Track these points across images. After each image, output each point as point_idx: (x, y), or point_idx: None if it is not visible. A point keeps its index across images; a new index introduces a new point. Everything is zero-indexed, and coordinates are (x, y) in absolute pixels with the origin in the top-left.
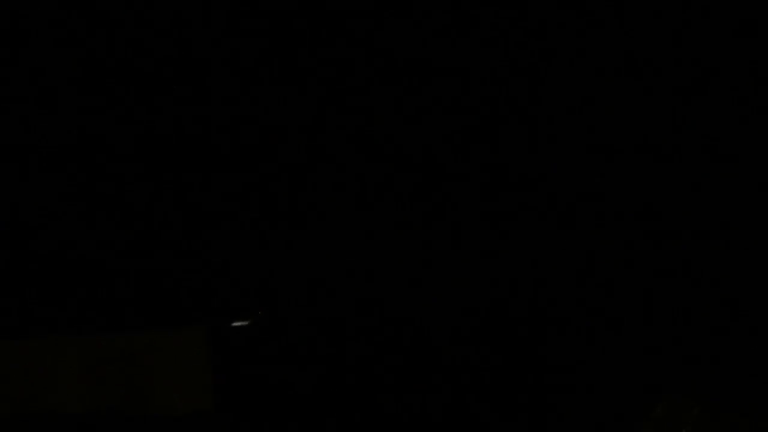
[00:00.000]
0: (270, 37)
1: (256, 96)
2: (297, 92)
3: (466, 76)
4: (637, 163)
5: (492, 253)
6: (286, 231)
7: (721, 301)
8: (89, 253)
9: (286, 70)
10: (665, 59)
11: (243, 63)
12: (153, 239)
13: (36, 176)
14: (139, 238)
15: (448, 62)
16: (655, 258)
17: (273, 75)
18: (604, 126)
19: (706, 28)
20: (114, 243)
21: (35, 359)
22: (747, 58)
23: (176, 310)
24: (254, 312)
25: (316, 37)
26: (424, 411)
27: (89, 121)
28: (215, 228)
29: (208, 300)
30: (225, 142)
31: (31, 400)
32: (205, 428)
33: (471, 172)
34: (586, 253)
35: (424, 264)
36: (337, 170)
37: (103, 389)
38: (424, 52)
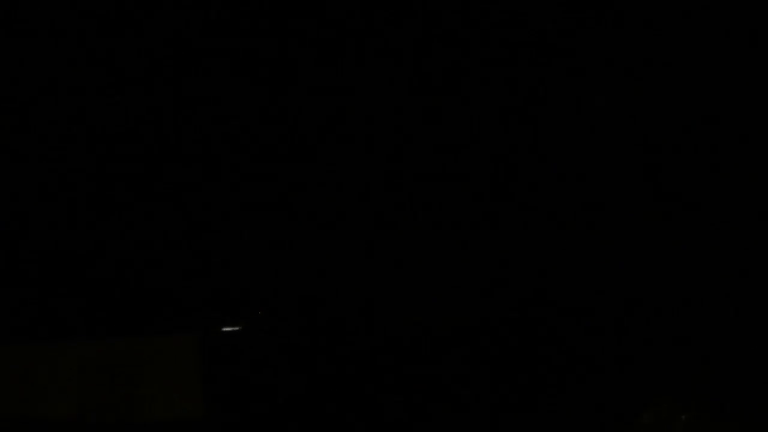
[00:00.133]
0: (270, 37)
1: (255, 97)
2: (296, 93)
3: (467, 76)
4: (637, 163)
5: (489, 255)
6: (282, 234)
7: (712, 308)
8: (79, 261)
9: (285, 71)
10: (665, 59)
11: (241, 64)
12: (143, 246)
13: (29, 181)
14: (129, 245)
15: (448, 62)
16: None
17: (272, 75)
18: (604, 126)
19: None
20: (104, 250)
21: (27, 366)
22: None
23: (167, 317)
24: (249, 315)
25: (316, 38)
26: (420, 415)
27: (85, 124)
28: (207, 235)
29: (199, 306)
30: (220, 149)
31: (23, 405)
32: None
33: (471, 173)
34: (582, 257)
35: (424, 265)
36: (336, 172)
37: (93, 395)
38: (425, 52)
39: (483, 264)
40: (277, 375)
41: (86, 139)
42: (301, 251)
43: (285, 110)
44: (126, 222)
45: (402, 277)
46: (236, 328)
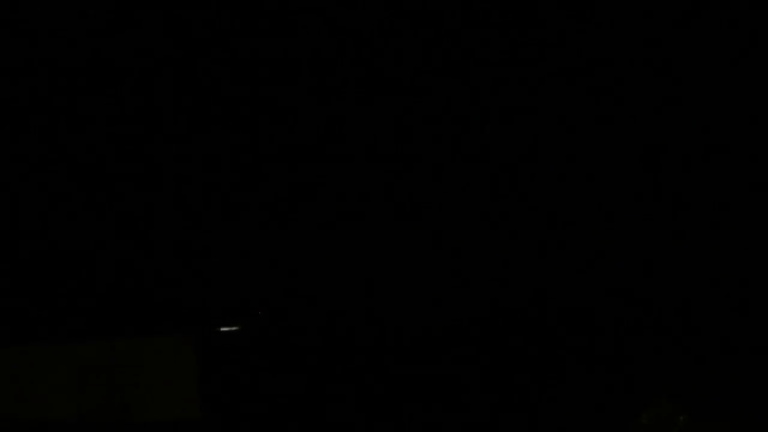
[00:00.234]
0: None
1: (254, 98)
2: (295, 94)
3: (466, 76)
4: (637, 164)
5: (488, 255)
6: (278, 235)
7: (710, 309)
8: (78, 262)
9: (283, 73)
10: (664, 60)
11: (239, 65)
12: (141, 248)
13: (29, 183)
14: (127, 247)
15: (448, 62)
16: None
17: (270, 77)
18: (605, 126)
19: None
20: (103, 252)
21: (24, 366)
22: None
23: (164, 317)
24: (247, 315)
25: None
26: (419, 415)
27: (81, 127)
28: (204, 237)
29: (197, 307)
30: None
31: (21, 406)
32: None
33: (471, 173)
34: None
35: (423, 265)
36: (334, 173)
37: (90, 396)
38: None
39: (482, 264)
40: (274, 375)
41: (85, 141)
42: (300, 251)
43: (285, 109)
44: (124, 223)
45: (401, 277)
46: (233, 329)
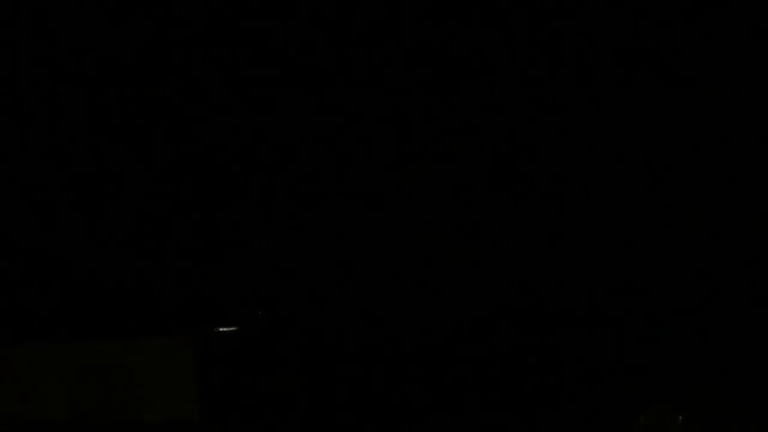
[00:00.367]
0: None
1: (252, 99)
2: (294, 94)
3: (467, 76)
4: (637, 164)
5: (487, 255)
6: (276, 235)
7: (708, 310)
8: (74, 262)
9: (282, 73)
10: (666, 59)
11: (238, 66)
12: (138, 248)
13: (24, 184)
14: (124, 247)
15: (448, 62)
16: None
17: (269, 77)
18: (606, 126)
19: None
20: (99, 250)
21: (21, 366)
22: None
23: (162, 318)
24: (245, 316)
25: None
26: (417, 415)
27: (79, 128)
28: (202, 236)
29: (195, 307)
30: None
31: (18, 407)
32: None
33: (471, 172)
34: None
35: (423, 265)
36: (334, 172)
37: (87, 396)
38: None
39: (481, 264)
40: (272, 376)
41: (83, 141)
42: (299, 251)
43: (285, 108)
44: (123, 223)
45: (401, 277)
46: (231, 329)
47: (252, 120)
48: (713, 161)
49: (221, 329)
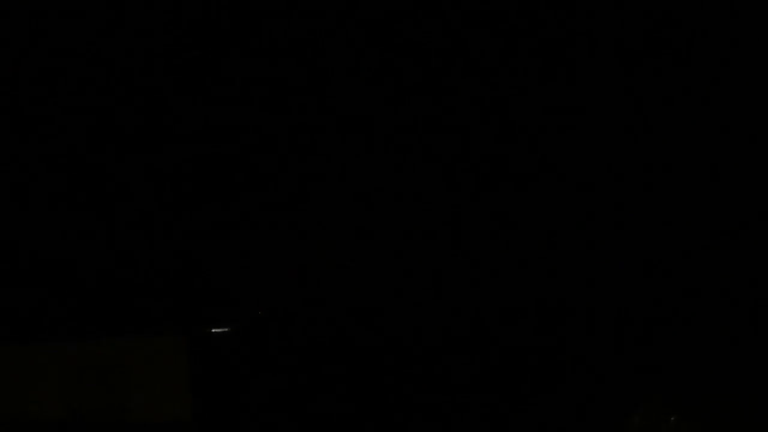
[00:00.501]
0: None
1: (252, 99)
2: (294, 93)
3: (467, 76)
4: (637, 164)
5: (486, 256)
6: (273, 235)
7: (703, 309)
8: (66, 260)
9: (281, 73)
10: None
11: (238, 66)
12: (130, 245)
13: (18, 184)
14: (116, 244)
15: (448, 61)
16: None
17: (269, 77)
18: (606, 126)
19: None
20: (92, 250)
21: (15, 366)
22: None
23: (155, 318)
24: (240, 316)
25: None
26: (416, 416)
27: (74, 130)
28: (195, 234)
29: (188, 307)
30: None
31: (10, 407)
32: None
33: (471, 172)
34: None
35: (422, 265)
36: (335, 172)
37: (80, 397)
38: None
39: (479, 264)
40: (267, 377)
41: (82, 140)
42: (299, 252)
43: (286, 105)
44: (114, 220)
45: (401, 277)
46: (226, 330)
47: (251, 120)
48: (713, 161)
49: (215, 330)
